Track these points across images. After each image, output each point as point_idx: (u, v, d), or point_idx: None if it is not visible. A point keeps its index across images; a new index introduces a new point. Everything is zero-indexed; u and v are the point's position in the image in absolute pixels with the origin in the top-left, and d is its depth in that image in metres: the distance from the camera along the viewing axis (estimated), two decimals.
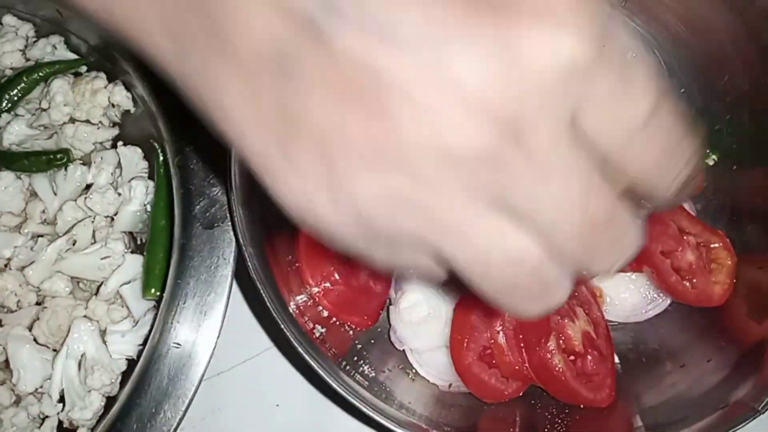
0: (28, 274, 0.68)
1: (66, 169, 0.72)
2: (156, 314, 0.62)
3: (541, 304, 0.32)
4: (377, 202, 0.30)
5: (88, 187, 0.72)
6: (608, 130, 0.28)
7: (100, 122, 0.74)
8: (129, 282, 0.68)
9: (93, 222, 0.70)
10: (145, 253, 0.67)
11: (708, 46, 0.71)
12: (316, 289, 0.67)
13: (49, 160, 0.72)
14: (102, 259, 0.67)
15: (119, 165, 0.72)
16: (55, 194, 0.72)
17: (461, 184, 0.27)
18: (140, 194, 0.70)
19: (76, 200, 0.71)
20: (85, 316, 0.67)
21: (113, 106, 0.73)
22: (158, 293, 0.64)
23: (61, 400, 0.65)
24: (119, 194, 0.70)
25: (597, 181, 0.29)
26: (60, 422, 0.66)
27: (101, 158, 0.72)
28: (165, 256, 0.65)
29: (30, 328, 0.67)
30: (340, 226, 0.31)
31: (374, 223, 0.31)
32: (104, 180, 0.71)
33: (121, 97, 0.72)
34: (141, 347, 0.65)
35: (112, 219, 0.71)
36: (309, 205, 0.31)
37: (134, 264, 0.68)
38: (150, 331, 0.62)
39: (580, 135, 0.27)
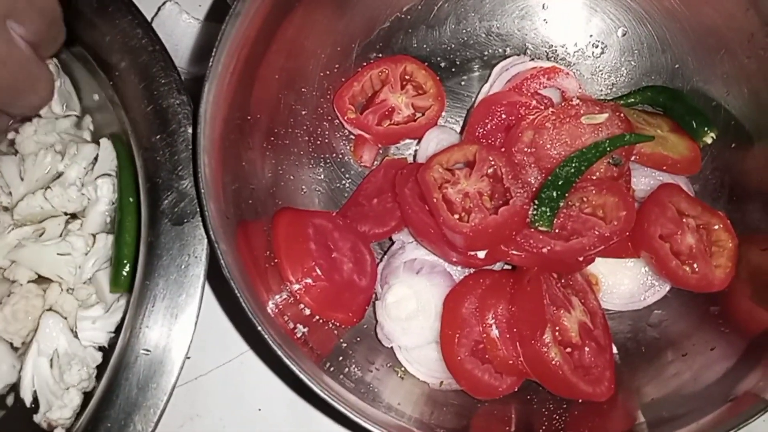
0: None
1: (36, 155, 0.67)
2: (128, 300, 0.57)
3: None
4: None
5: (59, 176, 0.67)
6: None
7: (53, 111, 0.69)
8: (105, 265, 0.64)
9: (67, 222, 0.66)
10: (113, 241, 0.63)
11: (703, 18, 0.68)
12: (297, 286, 0.63)
13: None
14: (59, 255, 0.63)
15: (95, 159, 0.67)
16: (22, 179, 0.67)
17: None
18: (107, 192, 0.65)
19: (44, 190, 0.66)
20: (51, 309, 0.63)
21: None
22: (128, 277, 0.59)
23: (34, 401, 0.61)
24: (83, 194, 0.65)
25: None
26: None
27: (77, 150, 0.67)
28: (133, 241, 0.60)
29: None
30: None
31: None
32: (75, 172, 0.66)
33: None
34: (112, 334, 0.61)
35: (74, 216, 0.67)
36: None
37: (109, 243, 0.64)
38: (122, 318, 0.58)
39: None
